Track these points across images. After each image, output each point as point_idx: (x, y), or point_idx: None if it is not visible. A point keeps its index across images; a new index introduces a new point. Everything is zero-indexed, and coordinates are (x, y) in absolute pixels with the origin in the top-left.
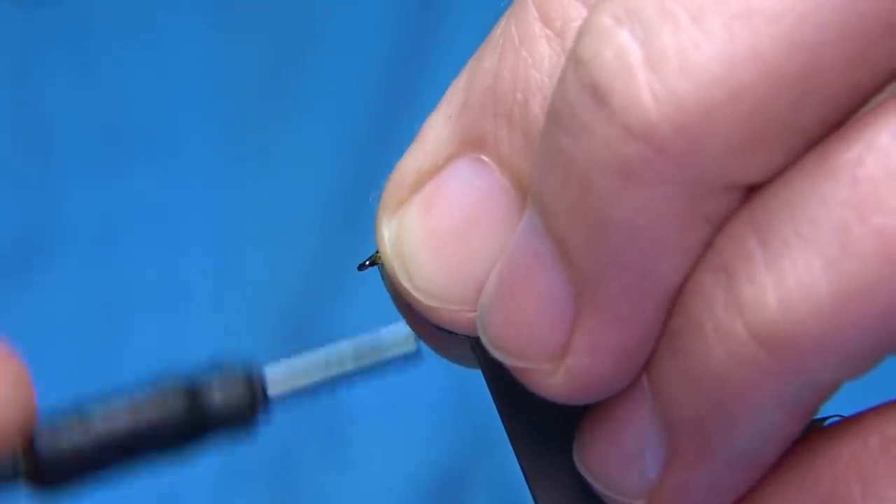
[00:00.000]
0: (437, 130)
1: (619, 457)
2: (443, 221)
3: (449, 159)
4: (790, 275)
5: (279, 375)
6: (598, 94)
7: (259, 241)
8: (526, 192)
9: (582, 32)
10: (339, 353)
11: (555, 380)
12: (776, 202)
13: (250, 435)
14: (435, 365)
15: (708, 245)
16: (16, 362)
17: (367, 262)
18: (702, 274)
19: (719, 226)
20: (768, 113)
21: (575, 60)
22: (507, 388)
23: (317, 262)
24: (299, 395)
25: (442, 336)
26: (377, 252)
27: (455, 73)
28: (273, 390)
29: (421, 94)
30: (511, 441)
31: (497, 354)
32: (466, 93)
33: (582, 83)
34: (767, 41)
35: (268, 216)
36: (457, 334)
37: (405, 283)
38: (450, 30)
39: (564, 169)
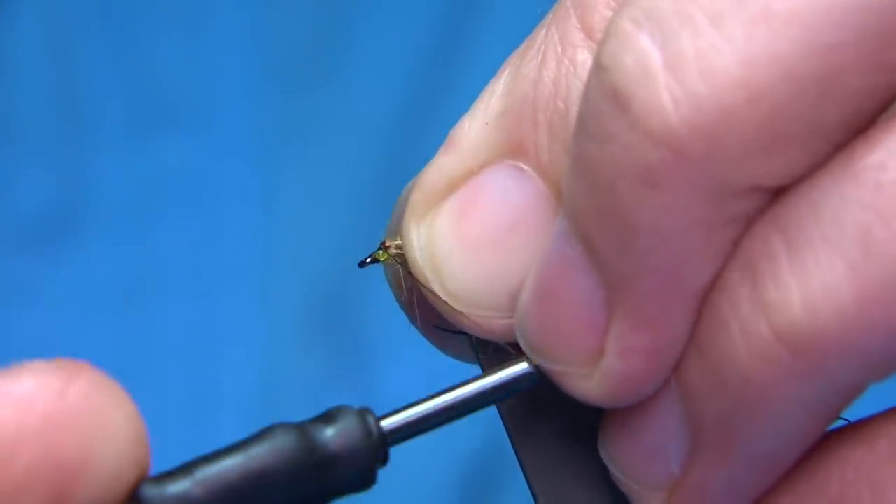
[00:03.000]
0: (471, 136)
1: (643, 449)
2: (479, 228)
3: (484, 165)
4: (814, 276)
5: (394, 418)
6: (619, 100)
7: (293, 215)
8: None
9: (604, 38)
10: (456, 394)
11: (591, 383)
12: (801, 203)
13: (370, 479)
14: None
15: (736, 245)
16: (136, 415)
17: (368, 260)
18: (728, 272)
19: (747, 226)
20: (788, 115)
21: (597, 66)
22: (516, 404)
23: (351, 238)
24: (416, 431)
25: (442, 334)
26: (378, 249)
27: (498, 51)
28: (387, 425)
29: (463, 71)
30: (511, 439)
31: (535, 358)
32: (505, 99)
33: (604, 89)
34: (786, 44)
35: (302, 189)
36: (456, 333)
37: (436, 289)
38: (492, 4)
39: (590, 174)
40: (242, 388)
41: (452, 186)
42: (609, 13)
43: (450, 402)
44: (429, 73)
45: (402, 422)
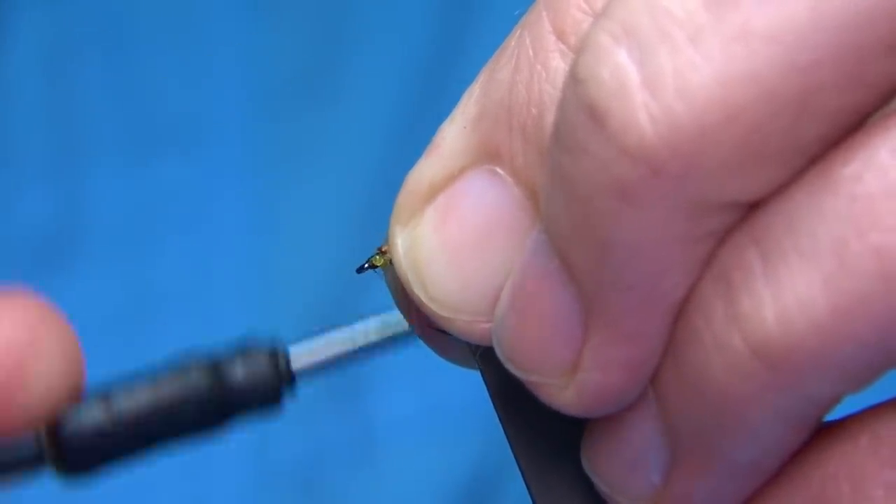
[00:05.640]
0: (450, 140)
1: (624, 460)
2: (458, 233)
3: (463, 170)
4: (788, 289)
5: (302, 351)
6: (595, 115)
7: (289, 236)
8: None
9: (580, 51)
10: (358, 330)
11: (567, 394)
12: (777, 216)
13: (277, 412)
14: (465, 371)
15: (711, 259)
16: (69, 334)
17: (366, 265)
18: (703, 285)
19: (722, 240)
20: (765, 133)
21: (573, 79)
22: (506, 393)
23: (346, 257)
24: (321, 370)
25: (442, 338)
26: (374, 255)
27: None
28: (297, 365)
29: (457, 89)
30: (511, 445)
31: (510, 368)
32: (481, 104)
33: (580, 103)
34: (764, 62)
35: (298, 210)
36: (456, 338)
37: (419, 294)
38: (487, 24)
39: (566, 189)
40: None
41: (434, 191)
42: (581, 16)
43: (365, 343)
44: (424, 94)
45: (313, 363)
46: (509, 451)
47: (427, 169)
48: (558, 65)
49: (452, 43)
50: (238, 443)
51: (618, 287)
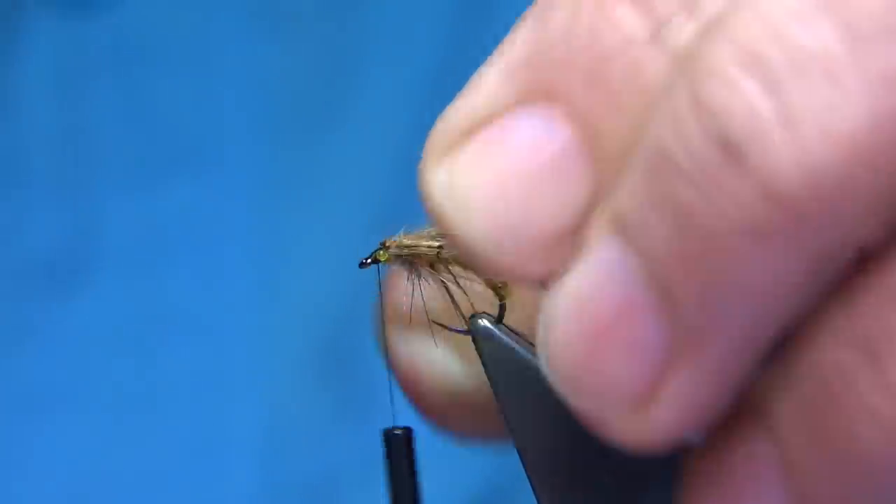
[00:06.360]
0: (494, 77)
1: None
2: (505, 169)
3: (509, 107)
4: None
5: None
6: (729, 150)
7: (300, 258)
8: (600, 151)
9: (704, 73)
10: None
11: (631, 427)
12: None
13: None
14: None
15: (822, 303)
16: None
17: (368, 260)
18: (839, 351)
19: (843, 289)
20: None
21: (697, 105)
22: (510, 388)
23: (357, 280)
24: None
25: (445, 333)
26: (377, 249)
27: None
28: None
29: None
30: (515, 443)
31: (567, 394)
32: (535, 43)
33: (709, 134)
34: None
35: (307, 232)
36: (462, 331)
37: (458, 230)
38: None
39: (682, 221)
40: (250, 430)
41: (475, 126)
42: None
43: None
44: (433, 119)
45: None
46: (521, 466)
47: (467, 105)
48: (625, 14)
49: (462, 67)
50: (248, 460)
51: (723, 326)
